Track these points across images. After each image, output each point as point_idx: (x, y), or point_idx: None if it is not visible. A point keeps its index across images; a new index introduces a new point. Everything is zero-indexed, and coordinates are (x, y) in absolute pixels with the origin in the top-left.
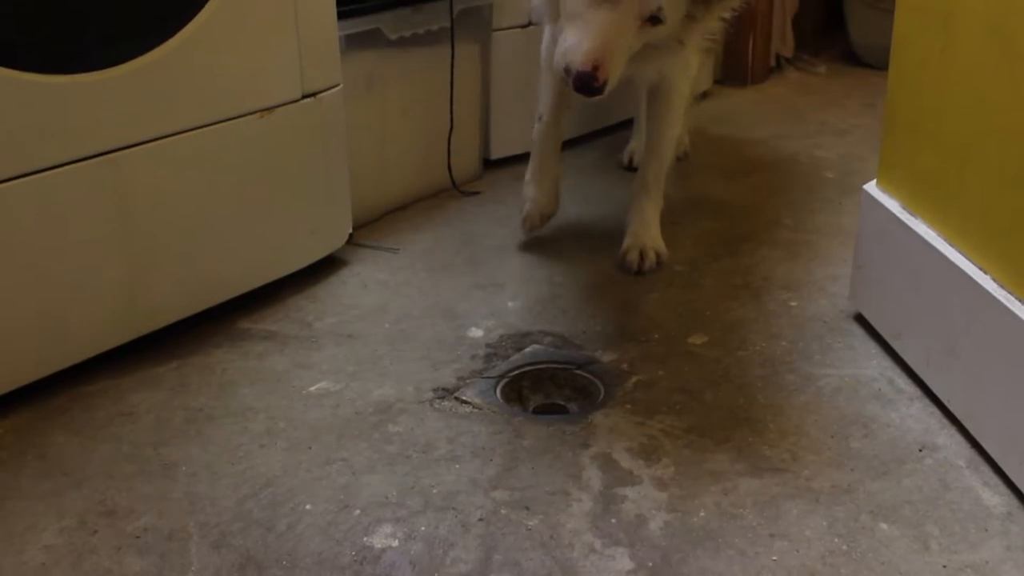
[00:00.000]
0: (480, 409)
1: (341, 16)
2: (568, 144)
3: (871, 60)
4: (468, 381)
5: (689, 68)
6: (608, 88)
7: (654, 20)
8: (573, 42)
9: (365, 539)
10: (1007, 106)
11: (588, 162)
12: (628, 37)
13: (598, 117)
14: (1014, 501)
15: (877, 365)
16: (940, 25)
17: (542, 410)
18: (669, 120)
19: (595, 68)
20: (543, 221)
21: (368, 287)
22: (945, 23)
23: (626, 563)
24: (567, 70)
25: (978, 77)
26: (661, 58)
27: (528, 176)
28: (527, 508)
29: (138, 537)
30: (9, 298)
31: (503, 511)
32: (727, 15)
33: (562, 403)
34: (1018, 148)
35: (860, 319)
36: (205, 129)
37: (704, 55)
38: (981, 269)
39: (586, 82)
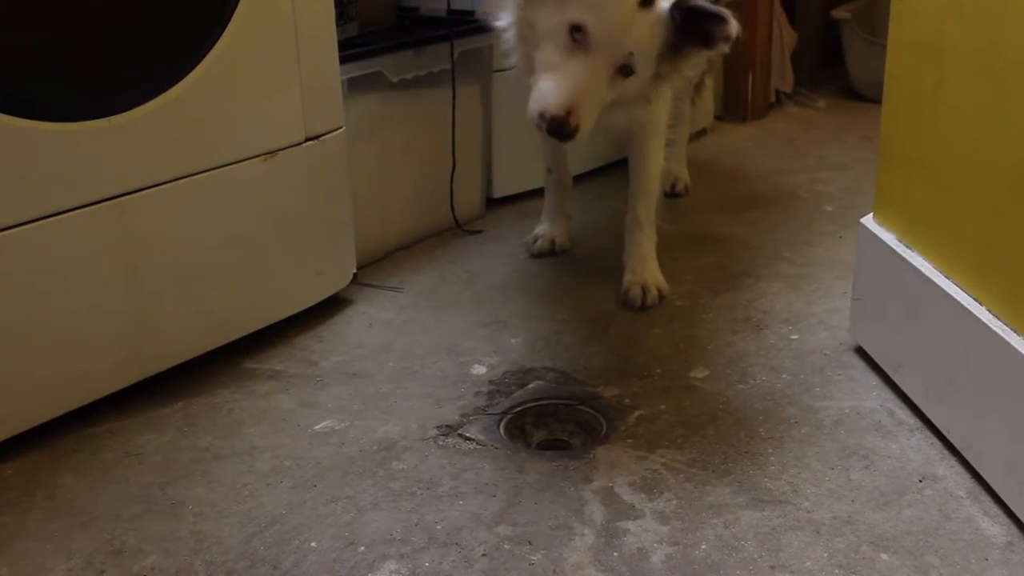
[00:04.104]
0: (483, 445)
1: (343, 60)
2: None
3: (870, 95)
4: (472, 418)
5: (660, 114)
6: (581, 136)
7: (625, 71)
8: (546, 89)
9: (370, 575)
10: (997, 142)
11: (589, 198)
12: (601, 85)
13: (597, 155)
14: (1014, 531)
15: (877, 397)
16: (932, 62)
17: (545, 446)
18: (649, 155)
19: (568, 114)
20: (552, 246)
21: (373, 326)
22: (936, 60)
23: None
24: (541, 115)
25: (969, 113)
26: (630, 110)
27: (543, 216)
28: (530, 543)
29: None
30: (16, 341)
31: (506, 546)
32: (691, 73)
33: (565, 438)
34: (1008, 182)
35: (860, 351)
36: (210, 173)
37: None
38: (977, 301)
39: (558, 127)
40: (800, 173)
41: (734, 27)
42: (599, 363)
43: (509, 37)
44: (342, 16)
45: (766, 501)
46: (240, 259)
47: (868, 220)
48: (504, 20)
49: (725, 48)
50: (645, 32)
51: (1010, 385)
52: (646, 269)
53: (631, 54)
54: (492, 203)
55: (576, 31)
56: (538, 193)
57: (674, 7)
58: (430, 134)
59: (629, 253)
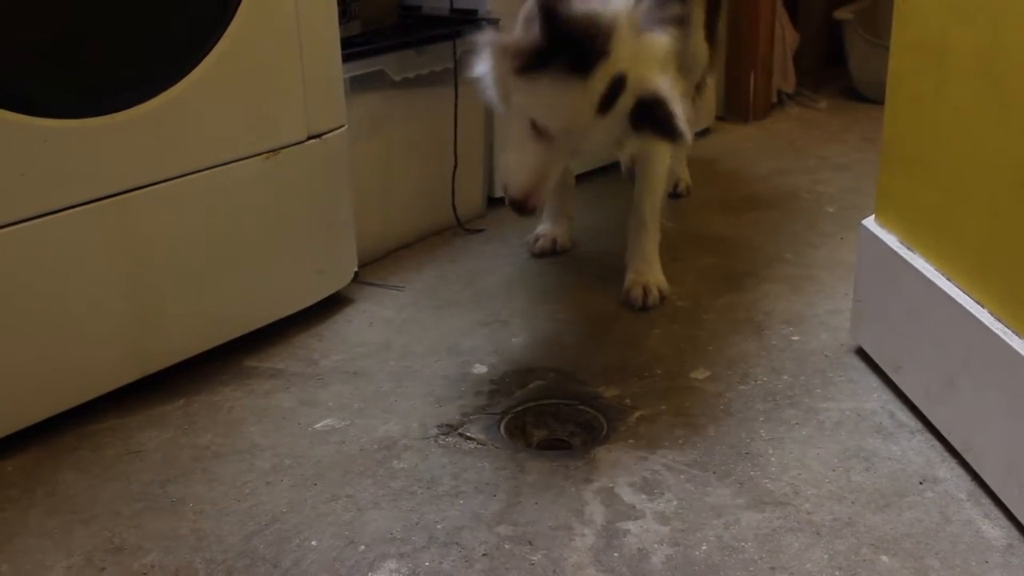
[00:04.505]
0: (484, 445)
1: (345, 59)
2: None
3: (872, 95)
4: (472, 417)
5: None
6: (540, 207)
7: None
8: (511, 167)
9: (370, 574)
10: (999, 143)
11: (590, 197)
12: (558, 165)
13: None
14: (1015, 533)
15: (878, 398)
16: (934, 63)
17: (546, 445)
18: (655, 156)
19: (526, 198)
20: (553, 245)
21: (373, 325)
22: (939, 61)
23: None
24: (505, 188)
25: (971, 115)
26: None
27: (545, 215)
28: (530, 543)
29: (145, 574)
30: (17, 338)
31: (506, 546)
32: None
33: (565, 438)
34: (1010, 184)
35: (861, 353)
36: (211, 171)
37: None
38: (979, 303)
39: (519, 208)
40: (801, 174)
41: (686, 133)
42: (600, 363)
43: (486, 84)
44: (344, 14)
45: (767, 502)
46: (241, 257)
47: (869, 221)
48: (480, 71)
49: (679, 143)
50: (604, 129)
51: (1011, 387)
52: (649, 270)
53: (585, 140)
54: (494, 202)
55: (536, 124)
56: None
57: (633, 114)
58: (432, 133)
59: (632, 253)
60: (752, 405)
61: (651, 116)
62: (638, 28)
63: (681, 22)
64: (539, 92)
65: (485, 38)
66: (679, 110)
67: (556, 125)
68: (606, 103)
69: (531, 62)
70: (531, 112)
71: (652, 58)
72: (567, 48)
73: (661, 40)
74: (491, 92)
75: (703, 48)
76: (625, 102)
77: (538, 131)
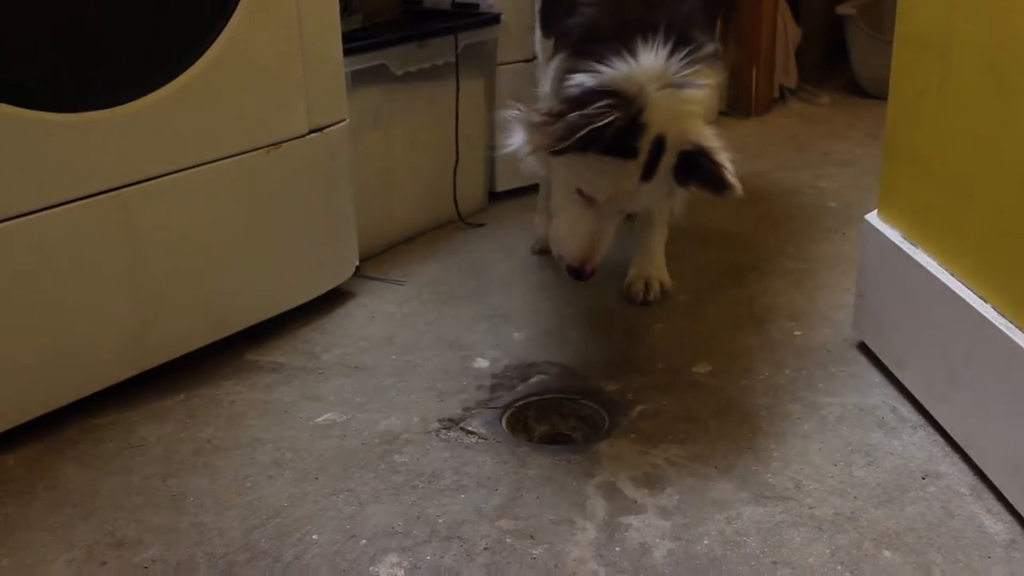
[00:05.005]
0: (486, 439)
1: (347, 53)
2: None
3: (874, 91)
4: (474, 411)
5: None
6: (597, 266)
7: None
8: (563, 236)
9: (371, 569)
10: (1003, 138)
11: None
12: (610, 228)
13: None
14: (1017, 528)
15: (880, 393)
16: (938, 58)
17: (547, 440)
18: None
19: (582, 265)
20: None
21: (375, 319)
22: (943, 56)
23: None
24: (560, 258)
25: (975, 110)
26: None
27: (538, 211)
28: (532, 537)
29: (146, 568)
30: (18, 332)
31: (508, 540)
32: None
33: (567, 433)
34: (1013, 179)
35: (863, 347)
36: (212, 164)
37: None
38: (981, 298)
39: (577, 275)
40: (803, 169)
41: (736, 185)
42: (601, 358)
43: (522, 156)
44: (346, 8)
45: (768, 497)
46: (242, 251)
47: (872, 216)
48: (515, 144)
49: (730, 195)
50: (650, 190)
51: (1014, 382)
52: (652, 264)
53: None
54: (495, 197)
55: (582, 192)
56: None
57: (678, 168)
58: (433, 127)
59: (637, 248)
60: (754, 400)
61: (696, 170)
62: (673, 84)
63: (715, 59)
64: (579, 170)
65: (515, 115)
66: (726, 160)
67: (602, 197)
68: (649, 169)
69: (566, 147)
70: (575, 183)
71: (690, 113)
72: (601, 138)
73: (699, 94)
74: (529, 163)
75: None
76: (668, 160)
77: (584, 197)
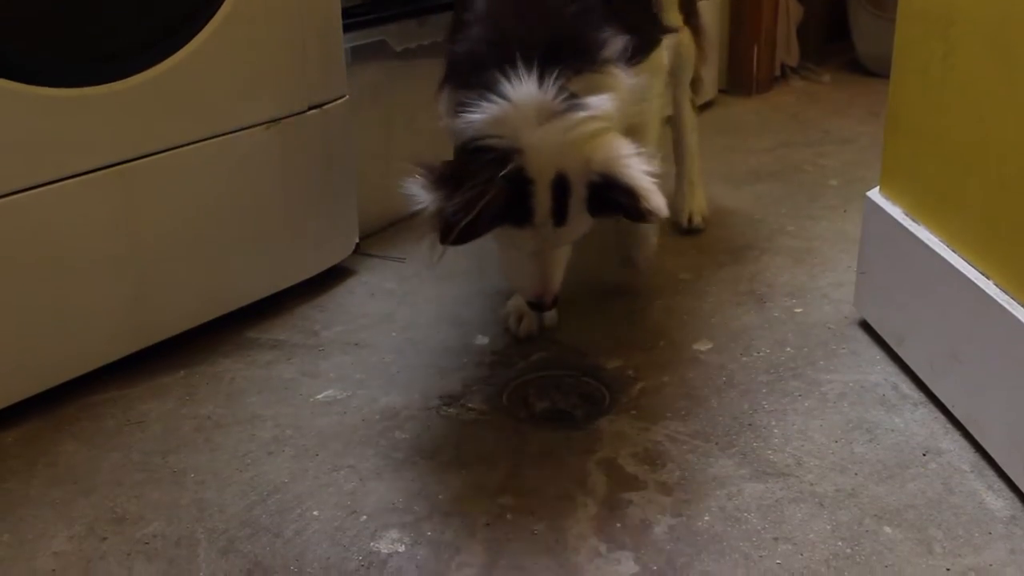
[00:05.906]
0: (486, 415)
1: (347, 28)
2: None
3: (876, 69)
4: (474, 388)
5: (657, 109)
6: (555, 296)
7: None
8: (515, 278)
9: (372, 544)
10: (1006, 113)
11: None
12: (556, 262)
13: None
14: (1018, 505)
15: (881, 370)
16: (941, 33)
17: (548, 416)
18: (684, 108)
19: (540, 299)
20: None
21: (375, 296)
22: (946, 31)
23: (631, 567)
24: (520, 293)
25: (978, 85)
26: None
27: None
28: (533, 513)
29: (147, 544)
30: (18, 308)
31: (509, 516)
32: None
33: (568, 410)
34: (1017, 154)
35: (864, 325)
36: (212, 141)
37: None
38: (983, 274)
39: (539, 308)
40: (804, 147)
41: (657, 202)
42: (602, 335)
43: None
44: None
45: (769, 473)
46: (242, 228)
47: (874, 193)
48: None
49: (654, 220)
50: (576, 226)
51: (1015, 359)
52: (693, 198)
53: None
54: None
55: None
56: None
57: (590, 203)
58: (433, 103)
59: (677, 180)
60: (755, 377)
61: (609, 198)
62: (555, 113)
63: (626, 56)
64: (495, 234)
65: (417, 186)
66: (643, 180)
67: (528, 251)
68: (560, 213)
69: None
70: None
71: (585, 139)
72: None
73: (593, 113)
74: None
75: (688, 43)
76: (578, 195)
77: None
